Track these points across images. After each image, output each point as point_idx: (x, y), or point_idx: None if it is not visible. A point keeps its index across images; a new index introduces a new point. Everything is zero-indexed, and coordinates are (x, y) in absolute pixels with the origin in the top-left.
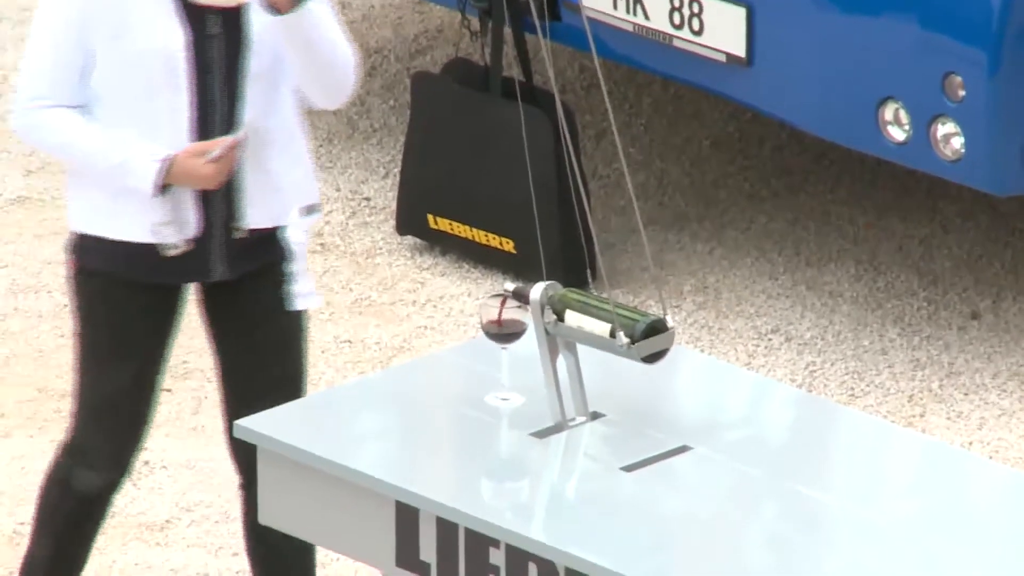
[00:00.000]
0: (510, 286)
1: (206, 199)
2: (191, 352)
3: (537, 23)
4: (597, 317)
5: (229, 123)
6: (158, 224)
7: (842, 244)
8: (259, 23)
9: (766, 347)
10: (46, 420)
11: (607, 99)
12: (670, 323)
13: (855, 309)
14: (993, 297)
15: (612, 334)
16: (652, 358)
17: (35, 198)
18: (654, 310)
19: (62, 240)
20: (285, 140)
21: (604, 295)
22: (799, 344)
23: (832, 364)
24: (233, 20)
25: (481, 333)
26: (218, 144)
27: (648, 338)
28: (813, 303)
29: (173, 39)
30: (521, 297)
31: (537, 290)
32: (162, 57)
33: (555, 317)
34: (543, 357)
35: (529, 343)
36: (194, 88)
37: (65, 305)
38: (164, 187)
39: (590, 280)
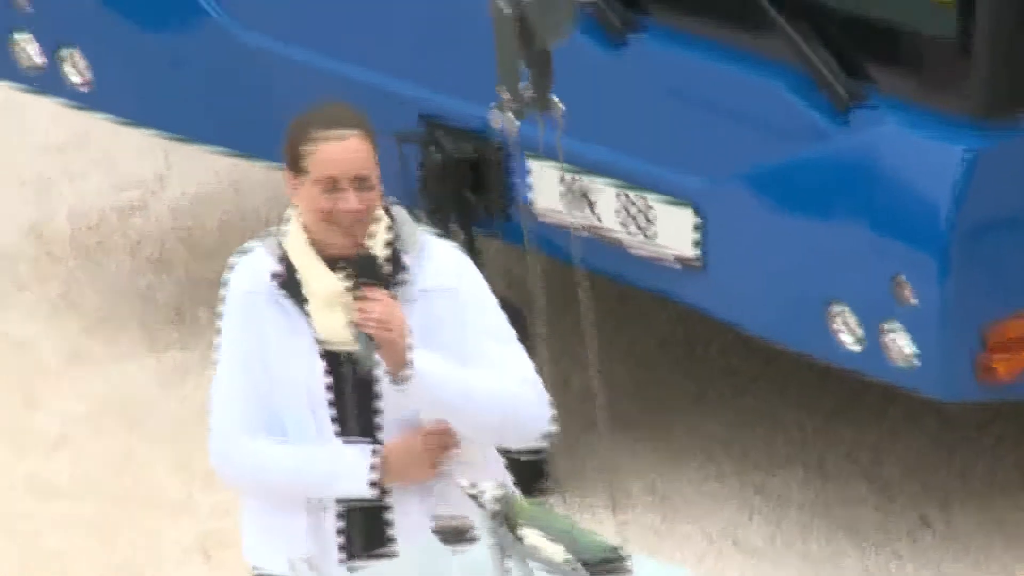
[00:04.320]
0: (464, 483)
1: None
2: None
3: (525, 230)
4: (553, 538)
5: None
6: (295, 558)
7: (790, 449)
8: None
9: (716, 551)
10: None
11: (585, 306)
12: (624, 553)
13: (803, 515)
14: (941, 503)
15: (567, 559)
16: None
17: None
18: (604, 511)
19: None
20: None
21: (556, 501)
22: (747, 549)
23: (782, 570)
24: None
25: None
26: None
27: (604, 568)
28: (761, 508)
29: (313, 375)
30: (474, 498)
31: (491, 494)
32: (303, 388)
33: (511, 532)
34: (495, 563)
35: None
36: (335, 418)
37: None
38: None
39: (546, 484)
